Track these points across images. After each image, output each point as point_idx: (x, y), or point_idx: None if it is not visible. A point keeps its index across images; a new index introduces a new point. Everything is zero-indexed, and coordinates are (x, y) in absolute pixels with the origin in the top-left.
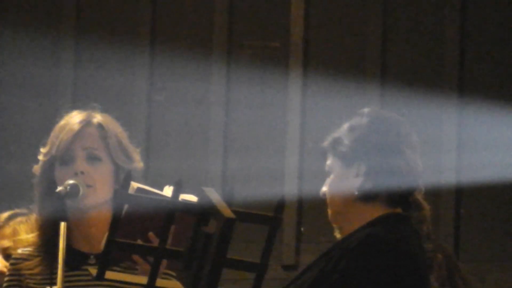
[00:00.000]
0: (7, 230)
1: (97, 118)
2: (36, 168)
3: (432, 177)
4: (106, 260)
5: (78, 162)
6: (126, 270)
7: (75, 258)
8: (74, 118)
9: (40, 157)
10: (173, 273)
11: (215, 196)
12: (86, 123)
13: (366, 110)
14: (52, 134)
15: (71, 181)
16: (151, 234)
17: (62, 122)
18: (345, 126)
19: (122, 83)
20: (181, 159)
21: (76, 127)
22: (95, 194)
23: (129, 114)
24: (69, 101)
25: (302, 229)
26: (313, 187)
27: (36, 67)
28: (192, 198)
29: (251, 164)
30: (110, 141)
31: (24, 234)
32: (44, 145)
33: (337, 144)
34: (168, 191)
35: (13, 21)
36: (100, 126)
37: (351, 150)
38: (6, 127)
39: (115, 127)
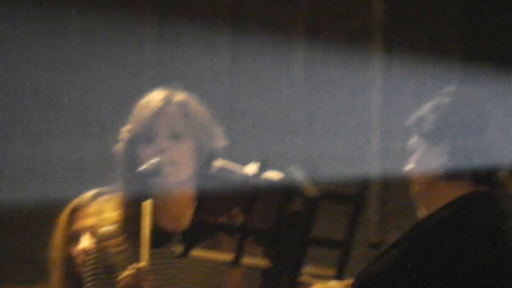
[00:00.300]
0: (92, 208)
1: (179, 96)
2: (118, 147)
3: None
4: (191, 238)
5: (160, 140)
6: (210, 248)
7: (159, 236)
8: (156, 96)
9: (122, 136)
10: (259, 250)
11: (299, 175)
12: (168, 101)
13: (450, 88)
14: (134, 112)
15: (153, 160)
16: (235, 211)
17: (144, 100)
18: (429, 105)
19: (205, 63)
20: (265, 138)
21: (158, 105)
22: (177, 171)
23: (212, 94)
24: (151, 80)
25: (386, 207)
26: (397, 165)
27: (118, 46)
28: (276, 174)
29: (335, 143)
30: (192, 119)
31: (108, 212)
32: (125, 124)
33: (421, 123)
34: (252, 167)
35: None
36: (182, 104)
37: (435, 129)
38: (87, 107)
39: (197, 105)
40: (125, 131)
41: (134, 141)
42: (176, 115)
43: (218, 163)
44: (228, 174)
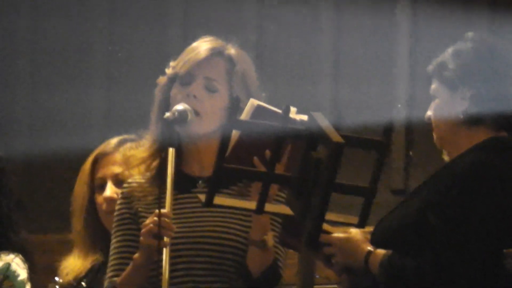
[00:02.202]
0: (117, 156)
1: (231, 50)
2: (161, 79)
3: None
4: (214, 186)
5: (195, 86)
6: (238, 194)
7: (185, 182)
8: (207, 43)
9: (167, 70)
10: (283, 195)
11: (324, 121)
12: (217, 52)
13: (470, 34)
14: (184, 52)
15: (179, 107)
16: (267, 152)
17: (195, 44)
18: (450, 50)
19: (232, 12)
20: (291, 86)
21: (205, 53)
22: (201, 123)
23: (240, 42)
24: (180, 31)
25: (410, 153)
26: (422, 112)
27: None
28: (302, 117)
29: (360, 89)
30: (235, 76)
31: (134, 159)
32: (174, 60)
33: (442, 68)
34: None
35: None
36: (230, 58)
37: (456, 75)
38: (117, 57)
39: (245, 65)
40: (169, 68)
41: (173, 80)
42: (220, 68)
43: (255, 102)
44: (253, 121)
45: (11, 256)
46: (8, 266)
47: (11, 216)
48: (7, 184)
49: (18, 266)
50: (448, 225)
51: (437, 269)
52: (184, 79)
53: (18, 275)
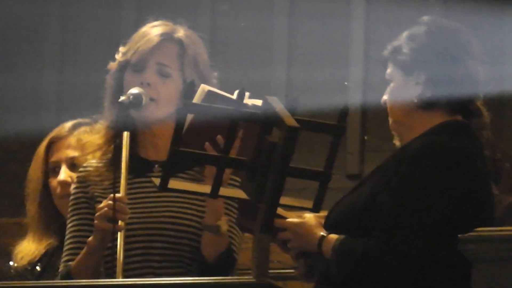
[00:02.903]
0: (72, 139)
1: (180, 33)
2: (112, 65)
3: (496, 86)
4: (169, 170)
5: (148, 73)
6: (193, 178)
7: (140, 166)
8: (157, 29)
9: (117, 57)
10: (238, 179)
11: (279, 105)
12: (167, 37)
13: (425, 18)
14: (133, 38)
15: (134, 91)
16: (219, 137)
17: (145, 29)
18: (404, 34)
19: None
20: (245, 69)
21: (156, 39)
22: (157, 108)
23: (193, 24)
24: (133, 12)
25: (366, 137)
26: (377, 96)
27: None
28: (259, 102)
29: (314, 73)
30: (186, 60)
31: (89, 143)
32: (123, 45)
33: (397, 52)
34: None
35: None
36: (180, 42)
37: (411, 59)
38: (70, 39)
39: (196, 47)
40: (121, 52)
41: (124, 67)
42: (171, 53)
43: (206, 87)
44: (207, 105)
45: None
46: None
47: None
48: None
49: None
50: (396, 205)
51: (383, 251)
52: (137, 66)
53: None
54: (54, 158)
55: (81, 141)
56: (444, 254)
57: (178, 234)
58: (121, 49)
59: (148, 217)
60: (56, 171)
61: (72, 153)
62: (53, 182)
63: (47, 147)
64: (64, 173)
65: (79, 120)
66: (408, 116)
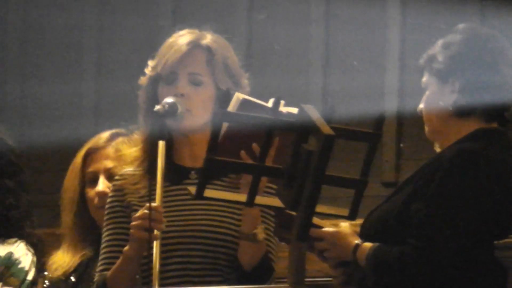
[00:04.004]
0: (110, 150)
1: (207, 39)
2: (143, 80)
3: None
4: (204, 178)
5: (180, 84)
6: (229, 186)
7: (177, 173)
8: (184, 38)
9: (147, 71)
10: (274, 187)
11: (314, 113)
12: (194, 45)
13: (461, 26)
14: (161, 50)
15: (169, 100)
16: (254, 145)
17: (171, 40)
18: (440, 42)
19: (222, 2)
20: (281, 77)
21: (184, 48)
22: (192, 118)
23: (230, 32)
24: (170, 21)
25: (401, 145)
26: (413, 103)
27: None
28: (294, 110)
29: (351, 81)
30: (216, 65)
31: (126, 153)
32: (152, 59)
33: (432, 61)
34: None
35: None
36: (208, 49)
37: (446, 67)
38: (107, 48)
39: (224, 51)
40: (150, 67)
41: (156, 79)
42: (201, 61)
43: (241, 96)
44: (243, 113)
45: (16, 242)
46: (10, 255)
47: (29, 209)
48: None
49: (21, 253)
50: (430, 213)
51: (418, 259)
52: (168, 79)
53: (19, 263)
54: (91, 169)
55: (119, 151)
56: (480, 261)
57: (216, 243)
58: (150, 62)
59: (185, 225)
60: (93, 181)
61: (110, 163)
62: (90, 193)
63: (84, 157)
64: (103, 184)
65: (117, 130)
66: (443, 124)
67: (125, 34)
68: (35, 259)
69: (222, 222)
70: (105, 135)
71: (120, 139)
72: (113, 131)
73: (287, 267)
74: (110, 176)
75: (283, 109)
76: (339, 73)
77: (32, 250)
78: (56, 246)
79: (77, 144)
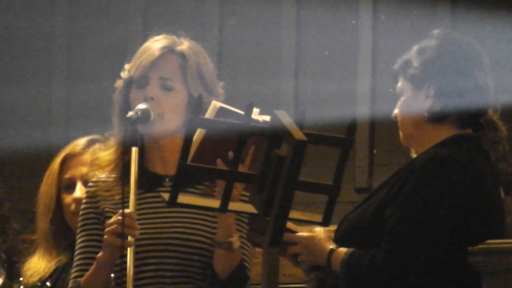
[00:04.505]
0: (87, 156)
1: (182, 46)
2: (119, 83)
3: (508, 98)
4: (177, 185)
5: (151, 87)
6: (203, 193)
7: (151, 180)
8: (158, 43)
9: (123, 74)
10: (247, 194)
11: (286, 118)
12: (168, 50)
13: (435, 32)
14: (136, 54)
15: (142, 106)
16: (230, 153)
17: (147, 44)
18: (415, 48)
19: (193, 8)
20: (252, 82)
21: (157, 53)
22: (163, 122)
23: (201, 38)
24: (140, 27)
25: (374, 151)
26: (385, 109)
27: None
28: (264, 117)
29: (322, 86)
30: (189, 72)
31: (101, 159)
32: (128, 62)
33: (407, 66)
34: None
35: None
36: (181, 55)
37: (421, 72)
38: (77, 52)
39: (199, 58)
40: (126, 70)
41: (130, 83)
42: (173, 66)
43: (218, 104)
44: (215, 119)
45: None
46: None
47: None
48: None
49: None
50: (402, 217)
51: (390, 264)
52: (140, 82)
53: None
54: (68, 175)
55: (93, 159)
56: (453, 266)
57: (190, 250)
58: (126, 66)
59: (159, 233)
60: (69, 187)
61: (87, 170)
62: (67, 199)
63: (61, 164)
64: (80, 190)
65: (93, 136)
66: (418, 129)
67: (95, 39)
68: (4, 268)
69: (197, 230)
70: (82, 141)
71: (97, 145)
72: (90, 137)
73: (260, 273)
74: (87, 182)
75: (258, 117)
76: (311, 78)
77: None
78: (31, 252)
79: (47, 150)
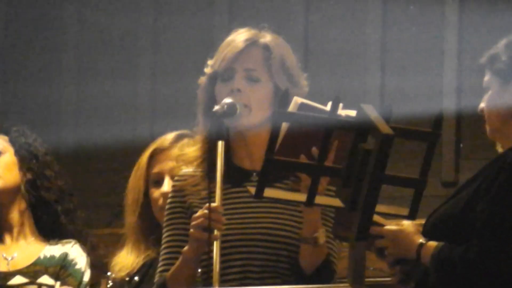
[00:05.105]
0: (175, 151)
1: (265, 38)
2: (202, 79)
3: None
4: (264, 178)
5: (237, 79)
6: (290, 188)
7: (237, 175)
8: (242, 36)
9: (206, 70)
10: (333, 188)
11: (373, 113)
12: (252, 43)
13: None
14: (219, 48)
15: (228, 100)
16: (314, 149)
17: (230, 38)
18: (503, 42)
19: (278, 3)
20: (339, 77)
21: (241, 45)
22: (250, 114)
23: (286, 34)
24: (226, 21)
25: (461, 145)
26: (472, 102)
27: None
28: (353, 113)
29: (408, 80)
30: (273, 63)
31: (188, 153)
32: (211, 58)
33: (494, 60)
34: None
35: None
36: (266, 47)
37: (509, 67)
38: (163, 46)
39: (282, 50)
40: (209, 65)
41: (214, 77)
42: (258, 58)
43: (299, 100)
44: (302, 113)
45: (71, 243)
46: (65, 255)
47: (71, 206)
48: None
49: (77, 254)
50: (494, 213)
51: (482, 259)
52: (225, 75)
53: (75, 264)
54: (156, 170)
55: (179, 155)
56: None
57: (277, 246)
58: (209, 62)
59: (246, 228)
60: (157, 182)
61: (174, 164)
62: (155, 193)
63: (149, 158)
64: (168, 185)
65: (182, 131)
66: (505, 124)
67: (181, 34)
68: (89, 260)
69: (283, 225)
70: (170, 136)
71: (185, 140)
72: (178, 132)
73: (346, 266)
74: (175, 177)
75: (342, 112)
76: (397, 73)
77: (86, 251)
78: (118, 246)
79: (133, 145)
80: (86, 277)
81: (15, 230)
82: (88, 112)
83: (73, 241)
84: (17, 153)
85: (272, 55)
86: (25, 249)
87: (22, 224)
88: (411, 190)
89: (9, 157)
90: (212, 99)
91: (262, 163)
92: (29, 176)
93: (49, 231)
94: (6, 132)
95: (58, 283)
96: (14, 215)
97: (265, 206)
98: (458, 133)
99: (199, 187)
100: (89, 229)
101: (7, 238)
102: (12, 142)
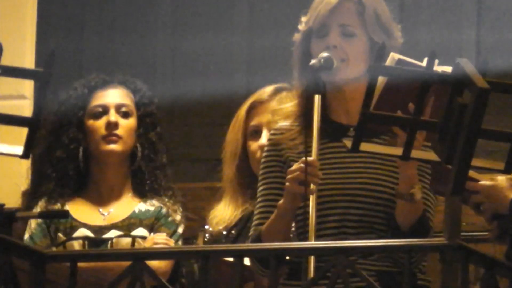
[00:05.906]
0: (273, 104)
1: None
2: (296, 36)
3: None
4: (360, 131)
5: (332, 36)
6: (386, 144)
7: (334, 130)
8: None
9: (300, 27)
10: (429, 144)
11: (469, 67)
12: None
13: None
14: (312, 5)
15: (325, 54)
16: (411, 105)
17: None
18: None
19: None
20: (434, 31)
21: (334, 1)
22: (348, 68)
23: None
24: None
25: None
26: None
27: None
28: (448, 69)
29: (505, 34)
30: (368, 17)
31: (285, 107)
32: (305, 15)
33: None
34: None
35: None
36: (359, 1)
37: None
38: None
39: (375, 4)
40: (303, 22)
41: (309, 34)
42: (352, 12)
43: (396, 56)
44: (398, 67)
45: (166, 198)
46: (160, 208)
47: (165, 163)
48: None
49: (171, 208)
50: None
51: None
52: (320, 32)
53: (169, 216)
54: (254, 122)
55: (276, 109)
56: None
57: (373, 201)
58: (303, 18)
59: (343, 183)
60: (255, 134)
61: (271, 119)
62: (253, 146)
63: (248, 111)
64: (266, 138)
65: (280, 84)
66: None
67: None
68: (184, 214)
69: (380, 180)
70: (269, 89)
71: (284, 93)
72: (277, 85)
73: (442, 221)
74: (270, 128)
75: (437, 68)
76: (493, 27)
77: (181, 206)
78: (213, 200)
79: (229, 99)
80: (181, 229)
81: (115, 189)
82: (184, 66)
83: (167, 196)
84: (140, 119)
85: (365, 9)
86: (121, 205)
87: (122, 183)
88: (506, 144)
89: (133, 121)
90: (308, 56)
91: (359, 116)
92: (143, 143)
93: (145, 188)
94: (131, 89)
95: (152, 234)
96: (118, 176)
97: (362, 162)
98: None
99: (296, 142)
100: (186, 183)
101: (106, 196)
102: (138, 105)
